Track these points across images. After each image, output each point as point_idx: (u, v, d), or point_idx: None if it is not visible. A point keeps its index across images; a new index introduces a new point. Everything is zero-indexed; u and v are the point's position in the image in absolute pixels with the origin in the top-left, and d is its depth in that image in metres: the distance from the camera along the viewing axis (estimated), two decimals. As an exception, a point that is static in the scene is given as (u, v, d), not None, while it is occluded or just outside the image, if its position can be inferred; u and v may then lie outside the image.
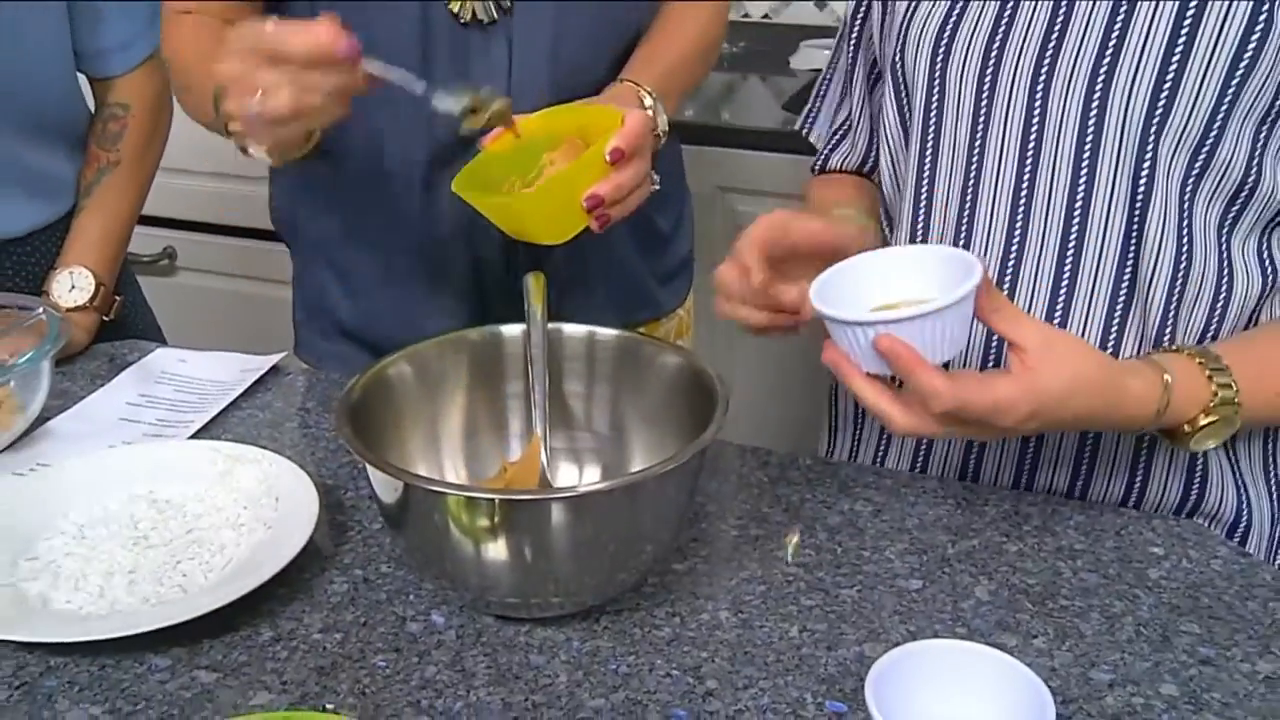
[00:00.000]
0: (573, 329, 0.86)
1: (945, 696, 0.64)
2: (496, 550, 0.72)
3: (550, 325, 0.86)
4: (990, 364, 0.88)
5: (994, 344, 0.89)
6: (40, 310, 0.99)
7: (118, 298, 1.20)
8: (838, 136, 1.06)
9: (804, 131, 1.10)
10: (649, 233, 1.15)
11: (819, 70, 2.02)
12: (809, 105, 1.09)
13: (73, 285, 1.14)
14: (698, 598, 0.79)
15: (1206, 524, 0.88)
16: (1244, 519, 0.89)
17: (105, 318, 1.17)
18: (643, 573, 0.77)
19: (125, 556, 0.81)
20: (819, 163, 1.09)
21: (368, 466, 0.74)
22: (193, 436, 0.98)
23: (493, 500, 0.71)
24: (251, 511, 0.85)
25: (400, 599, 0.79)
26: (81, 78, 1.23)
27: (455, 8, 0.98)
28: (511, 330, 0.86)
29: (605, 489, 0.72)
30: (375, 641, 0.75)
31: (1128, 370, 0.76)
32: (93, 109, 1.24)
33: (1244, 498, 0.89)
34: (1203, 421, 0.77)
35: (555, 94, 0.98)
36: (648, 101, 0.97)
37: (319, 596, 0.79)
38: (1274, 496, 0.90)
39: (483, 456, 0.88)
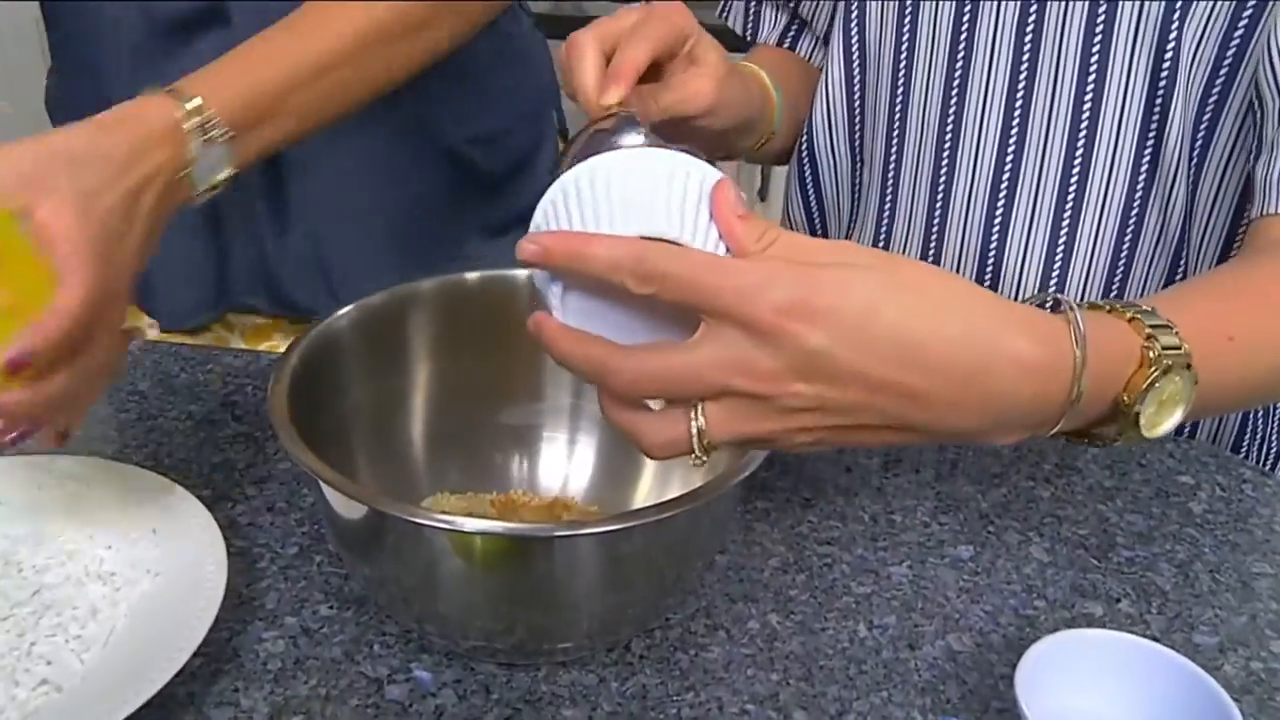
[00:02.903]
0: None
1: (1106, 699, 0.54)
2: (517, 589, 0.55)
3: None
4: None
5: None
6: None
7: None
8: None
9: (721, 15, 0.94)
10: (467, 176, 0.92)
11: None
12: None
13: None
14: (734, 600, 0.64)
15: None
16: (1245, 439, 0.84)
17: None
18: (689, 592, 0.62)
19: (-50, 644, 0.57)
20: (758, 34, 0.94)
21: (324, 487, 0.54)
22: (-9, 448, 0.72)
23: (517, 535, 0.53)
24: (121, 553, 0.63)
25: (363, 654, 0.60)
26: None
27: None
28: (474, 278, 0.67)
29: (666, 516, 0.53)
30: (352, 720, 0.56)
31: (1008, 303, 0.49)
32: None
33: (1246, 417, 0.83)
34: (1144, 380, 0.51)
35: None
36: (182, 113, 0.61)
37: (251, 664, 0.59)
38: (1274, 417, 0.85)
39: (450, 440, 0.70)
